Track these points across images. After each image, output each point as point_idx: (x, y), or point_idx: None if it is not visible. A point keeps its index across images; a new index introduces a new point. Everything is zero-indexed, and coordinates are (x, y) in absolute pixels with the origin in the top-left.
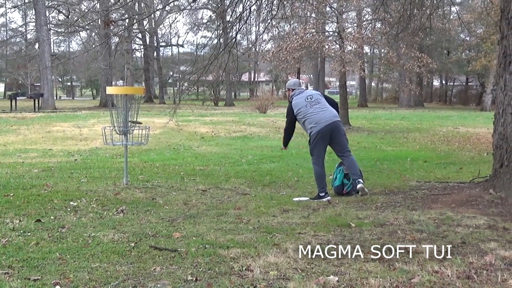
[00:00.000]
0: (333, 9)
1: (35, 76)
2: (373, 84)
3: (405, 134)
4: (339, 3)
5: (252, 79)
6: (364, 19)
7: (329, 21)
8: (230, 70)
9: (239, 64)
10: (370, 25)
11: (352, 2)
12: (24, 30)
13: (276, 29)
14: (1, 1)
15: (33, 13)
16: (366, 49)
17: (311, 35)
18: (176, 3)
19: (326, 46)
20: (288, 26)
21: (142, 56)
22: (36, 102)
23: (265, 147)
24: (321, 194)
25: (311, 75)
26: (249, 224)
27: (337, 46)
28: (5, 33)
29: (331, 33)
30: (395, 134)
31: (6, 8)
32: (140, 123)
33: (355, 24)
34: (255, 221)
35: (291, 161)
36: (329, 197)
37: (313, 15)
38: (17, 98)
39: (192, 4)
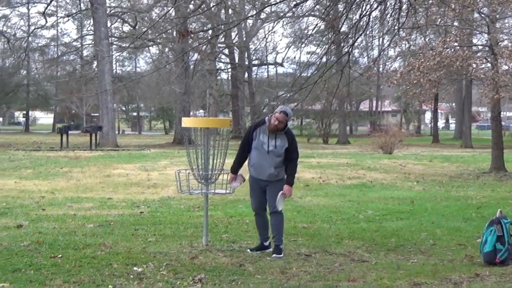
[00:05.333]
0: (483, 15)
1: (92, 104)
2: None
3: None
4: (491, 7)
5: (373, 109)
6: None
7: (477, 32)
8: (344, 97)
9: (357, 89)
10: None
11: (509, 6)
12: (80, 45)
13: (406, 42)
14: (52, 8)
15: (91, 23)
16: None
17: (452, 50)
18: (273, 8)
19: (474, 65)
20: (422, 38)
21: (229, 78)
22: (93, 137)
23: (390, 198)
24: (281, 247)
25: (453, 104)
26: None
27: (489, 64)
28: (56, 49)
29: (480, 47)
30: None
31: (57, 17)
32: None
33: None
34: None
35: (424, 218)
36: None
37: (456, 23)
38: (69, 132)
39: (293, 10)
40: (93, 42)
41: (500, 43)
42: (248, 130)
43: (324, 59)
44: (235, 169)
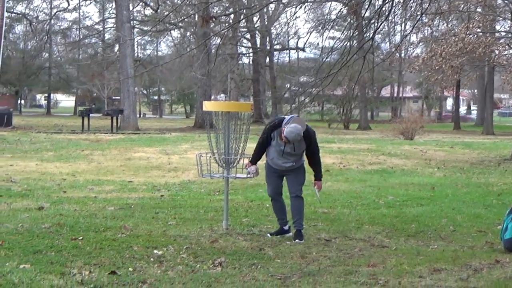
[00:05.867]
0: (506, 1)
1: (113, 87)
2: None
3: None
4: None
5: (395, 95)
6: None
7: (500, 18)
8: (365, 82)
9: (378, 74)
10: None
11: None
12: (102, 29)
13: (428, 28)
14: None
15: (113, 6)
16: None
17: (475, 36)
18: None
19: (496, 51)
20: (444, 24)
21: (251, 62)
22: (114, 120)
23: (410, 184)
24: (302, 231)
25: (475, 90)
26: (386, 287)
27: (511, 51)
28: (77, 31)
29: (503, 33)
30: None
31: (80, 0)
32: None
33: None
34: (395, 283)
35: (445, 204)
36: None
37: (479, 9)
38: (91, 115)
39: None
40: (115, 26)
41: None
42: (266, 130)
43: (346, 44)
44: (255, 160)
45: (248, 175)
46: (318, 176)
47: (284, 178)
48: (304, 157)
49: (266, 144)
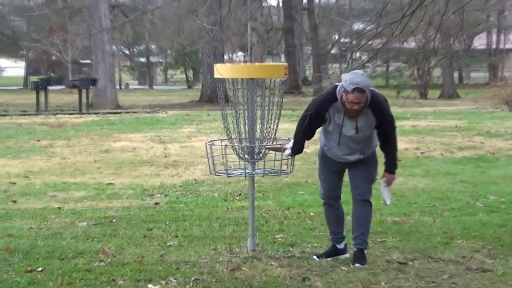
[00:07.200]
0: None
1: (80, 46)
2: None
3: None
4: None
5: (493, 46)
6: None
7: None
8: (450, 30)
9: (469, 17)
10: None
11: None
12: None
13: None
14: None
15: None
16: None
17: None
18: None
19: None
20: None
21: (281, 5)
22: (84, 95)
23: None
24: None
25: None
26: None
27: None
28: None
29: None
30: None
31: None
32: None
33: None
34: None
35: None
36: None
37: None
38: (49, 88)
39: None
40: None
41: None
42: (317, 108)
43: None
44: (298, 150)
45: (285, 171)
46: (390, 167)
47: (346, 171)
48: (376, 141)
49: (314, 130)
